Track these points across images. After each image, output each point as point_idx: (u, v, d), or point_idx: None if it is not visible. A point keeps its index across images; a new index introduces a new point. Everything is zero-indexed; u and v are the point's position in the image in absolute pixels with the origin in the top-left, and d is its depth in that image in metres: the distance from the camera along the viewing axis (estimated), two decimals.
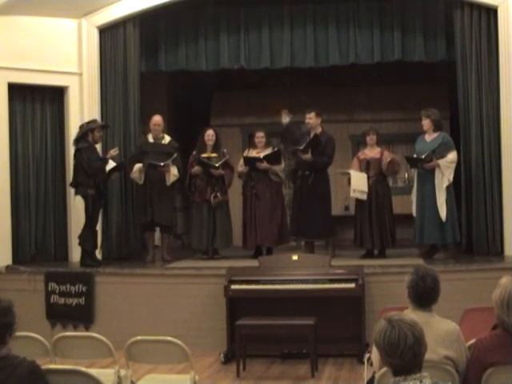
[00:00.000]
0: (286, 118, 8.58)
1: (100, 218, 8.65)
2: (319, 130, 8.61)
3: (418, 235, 8.12)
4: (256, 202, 8.70)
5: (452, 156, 7.97)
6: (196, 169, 8.61)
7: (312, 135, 8.47)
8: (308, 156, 8.38)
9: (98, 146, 8.63)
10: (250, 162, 8.73)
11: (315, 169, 8.45)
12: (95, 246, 8.42)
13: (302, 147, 8.35)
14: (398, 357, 2.73)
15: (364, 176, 8.38)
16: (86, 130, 8.27)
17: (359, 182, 8.36)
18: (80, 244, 8.30)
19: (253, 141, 9.09)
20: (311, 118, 8.54)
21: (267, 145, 8.93)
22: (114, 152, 8.41)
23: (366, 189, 8.33)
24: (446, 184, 7.89)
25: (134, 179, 8.65)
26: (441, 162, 7.88)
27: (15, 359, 3.31)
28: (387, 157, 8.49)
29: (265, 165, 8.65)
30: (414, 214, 8.15)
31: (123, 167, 8.62)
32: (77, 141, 8.29)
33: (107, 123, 8.79)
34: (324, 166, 8.56)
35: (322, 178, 8.56)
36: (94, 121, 8.51)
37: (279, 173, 8.81)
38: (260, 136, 8.87)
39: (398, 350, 2.73)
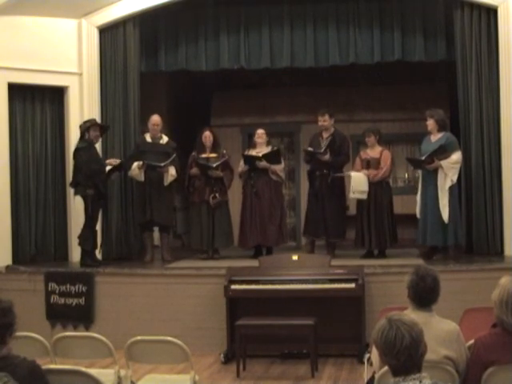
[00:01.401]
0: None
1: (100, 217, 8.66)
2: (332, 130, 8.65)
3: (420, 236, 8.09)
4: (256, 200, 8.70)
5: (456, 157, 7.90)
6: (194, 170, 8.60)
7: (328, 137, 8.53)
8: (327, 157, 8.43)
9: (98, 146, 8.63)
10: (249, 160, 8.73)
11: (334, 168, 8.49)
12: (95, 246, 8.42)
13: (322, 150, 8.40)
14: (394, 356, 2.74)
15: (364, 176, 8.37)
16: (84, 130, 8.29)
17: (359, 183, 8.35)
18: (80, 244, 8.31)
19: (253, 140, 9.08)
20: (326, 121, 8.60)
21: (268, 144, 8.91)
22: (114, 162, 8.41)
23: (366, 188, 8.33)
24: (448, 185, 7.82)
25: (133, 177, 8.63)
26: (443, 162, 7.81)
27: (15, 359, 3.31)
28: (385, 158, 8.46)
29: (264, 163, 8.65)
30: (418, 216, 8.11)
31: (123, 167, 8.60)
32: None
33: (104, 123, 8.75)
34: (343, 164, 8.64)
35: (340, 177, 8.61)
36: (90, 120, 8.50)
37: (279, 172, 8.81)
38: (260, 133, 8.86)
39: (394, 350, 2.74)
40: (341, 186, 8.67)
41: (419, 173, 8.31)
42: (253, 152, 8.87)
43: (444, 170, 7.84)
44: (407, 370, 2.75)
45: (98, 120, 8.81)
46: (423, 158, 7.91)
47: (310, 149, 8.59)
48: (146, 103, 9.51)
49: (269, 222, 8.68)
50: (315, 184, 8.66)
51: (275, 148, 8.94)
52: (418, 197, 8.14)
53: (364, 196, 8.35)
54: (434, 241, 8.02)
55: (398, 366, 2.76)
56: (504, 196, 8.33)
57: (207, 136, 8.68)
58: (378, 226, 8.35)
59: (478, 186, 8.42)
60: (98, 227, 8.62)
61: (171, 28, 9.38)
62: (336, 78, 11.06)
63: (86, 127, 8.29)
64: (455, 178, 7.89)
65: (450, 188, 7.86)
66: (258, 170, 8.68)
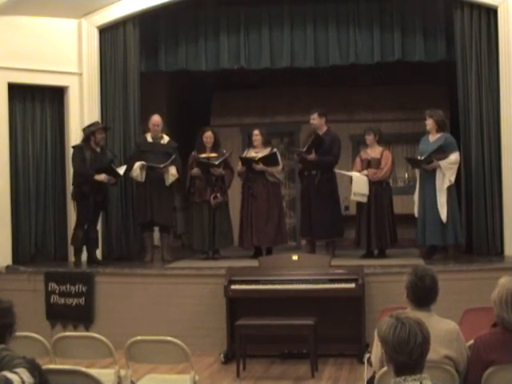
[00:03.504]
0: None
1: (101, 218, 8.70)
2: (324, 129, 8.63)
3: (419, 236, 8.11)
4: (253, 202, 8.70)
5: (454, 157, 7.93)
6: (195, 171, 8.59)
7: (313, 135, 8.49)
8: (312, 156, 8.41)
9: None
10: (246, 162, 8.73)
11: (321, 168, 8.46)
12: (93, 246, 8.44)
13: (304, 149, 8.38)
14: (407, 354, 2.73)
15: (365, 178, 8.36)
16: (88, 134, 8.31)
17: (360, 185, 8.34)
18: (71, 243, 8.40)
19: (251, 140, 9.08)
20: (314, 119, 8.58)
21: (265, 144, 8.89)
22: (110, 181, 8.39)
23: (366, 191, 8.31)
24: (446, 185, 7.85)
25: (134, 178, 8.63)
26: (442, 162, 7.85)
27: None
28: (386, 159, 8.46)
29: (260, 166, 8.64)
30: (416, 215, 8.13)
31: (118, 176, 8.40)
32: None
33: (107, 125, 8.78)
34: (330, 165, 8.56)
35: (329, 177, 8.55)
36: (94, 123, 8.52)
37: (276, 174, 8.79)
38: (255, 134, 8.86)
39: (408, 347, 2.73)
40: (330, 186, 8.58)
41: (416, 172, 8.33)
42: (251, 152, 8.87)
43: (442, 170, 7.87)
44: (414, 368, 2.75)
45: (98, 119, 8.85)
46: (422, 157, 7.93)
47: (300, 149, 8.55)
48: (145, 103, 9.51)
49: (266, 222, 8.67)
50: (304, 184, 8.67)
51: (272, 151, 8.91)
52: (416, 196, 8.16)
53: (364, 199, 8.34)
54: (433, 240, 8.04)
55: (408, 364, 2.75)
56: (504, 196, 8.33)
57: (209, 136, 8.67)
58: (378, 226, 8.34)
59: (478, 186, 8.42)
60: (99, 227, 8.63)
61: (171, 28, 9.38)
62: (336, 78, 11.05)
63: (91, 131, 8.31)
64: (453, 179, 7.92)
65: (448, 188, 7.89)
66: (254, 171, 8.68)
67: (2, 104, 8.55)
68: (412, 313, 3.58)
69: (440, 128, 8.08)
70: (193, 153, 8.74)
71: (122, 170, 8.42)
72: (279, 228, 8.79)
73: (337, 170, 8.69)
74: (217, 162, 8.49)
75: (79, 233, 8.34)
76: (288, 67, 9.41)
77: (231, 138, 11.28)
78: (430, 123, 8.09)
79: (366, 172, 8.40)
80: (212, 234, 8.58)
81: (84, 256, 8.50)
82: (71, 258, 8.85)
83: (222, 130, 10.35)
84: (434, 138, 8.08)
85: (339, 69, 9.67)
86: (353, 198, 8.47)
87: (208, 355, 7.08)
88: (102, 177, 8.27)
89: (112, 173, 8.34)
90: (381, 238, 8.37)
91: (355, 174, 8.45)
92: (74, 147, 8.46)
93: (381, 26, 8.97)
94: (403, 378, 2.75)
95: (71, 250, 8.85)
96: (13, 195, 8.69)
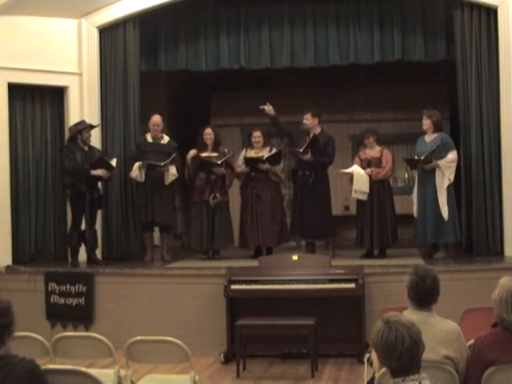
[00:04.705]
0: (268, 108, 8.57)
1: (100, 218, 8.71)
2: (318, 130, 8.62)
3: (419, 235, 8.13)
4: (257, 202, 8.69)
5: (452, 156, 7.98)
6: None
7: (311, 136, 8.49)
8: (308, 156, 8.40)
9: (98, 146, 8.72)
10: (251, 162, 8.72)
11: (315, 169, 8.46)
12: (92, 246, 8.44)
13: (301, 149, 8.38)
14: (396, 358, 2.73)
15: (366, 177, 8.37)
16: (75, 133, 8.32)
17: (361, 183, 8.35)
18: (67, 245, 8.43)
19: (251, 141, 9.07)
20: (307, 119, 8.58)
21: (265, 144, 8.91)
22: (105, 175, 8.38)
23: (367, 189, 8.33)
24: (446, 184, 7.91)
25: (134, 178, 8.63)
26: (441, 162, 7.90)
27: (14, 358, 3.30)
28: (387, 157, 8.48)
29: (267, 166, 8.65)
30: (415, 215, 8.15)
31: (108, 165, 8.39)
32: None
33: (93, 123, 8.75)
34: (325, 165, 8.59)
35: (322, 177, 8.57)
36: (81, 122, 8.52)
37: (279, 173, 8.82)
38: (257, 136, 8.86)
39: (396, 352, 2.73)
40: (323, 187, 8.58)
41: (415, 172, 8.35)
42: (251, 153, 8.87)
43: (441, 170, 7.91)
44: (408, 371, 2.75)
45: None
46: (422, 157, 7.95)
47: (297, 149, 8.53)
48: (146, 103, 9.51)
49: (270, 222, 8.68)
50: (297, 184, 8.67)
51: (277, 150, 8.92)
52: (415, 197, 8.18)
53: (364, 197, 8.35)
54: (434, 239, 8.07)
55: (400, 368, 2.75)
56: (504, 196, 8.33)
57: (208, 133, 8.68)
58: (381, 226, 8.35)
59: (478, 186, 8.41)
60: (98, 227, 8.64)
61: (171, 28, 9.38)
62: (336, 77, 11.05)
63: (78, 130, 8.33)
64: (452, 177, 7.97)
65: (448, 187, 7.93)
66: (258, 171, 8.68)
67: (2, 104, 8.54)
68: (411, 313, 3.60)
69: (436, 129, 8.13)
70: (193, 150, 8.74)
71: (114, 162, 8.41)
72: (281, 227, 8.80)
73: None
74: (219, 162, 8.49)
75: (75, 234, 8.36)
76: (288, 67, 9.41)
77: (231, 138, 11.28)
78: (427, 123, 8.12)
79: (369, 171, 8.40)
80: (211, 233, 8.57)
81: (81, 256, 8.51)
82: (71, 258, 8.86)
83: (222, 130, 10.33)
84: (430, 138, 8.13)
85: (339, 69, 9.67)
86: (353, 195, 8.46)
87: (208, 355, 7.07)
88: (99, 172, 8.27)
89: (105, 165, 8.33)
90: (383, 237, 8.38)
91: (356, 171, 8.43)
92: (62, 148, 8.49)
93: (381, 26, 8.97)
94: (402, 378, 2.75)
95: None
96: (13, 195, 8.69)
